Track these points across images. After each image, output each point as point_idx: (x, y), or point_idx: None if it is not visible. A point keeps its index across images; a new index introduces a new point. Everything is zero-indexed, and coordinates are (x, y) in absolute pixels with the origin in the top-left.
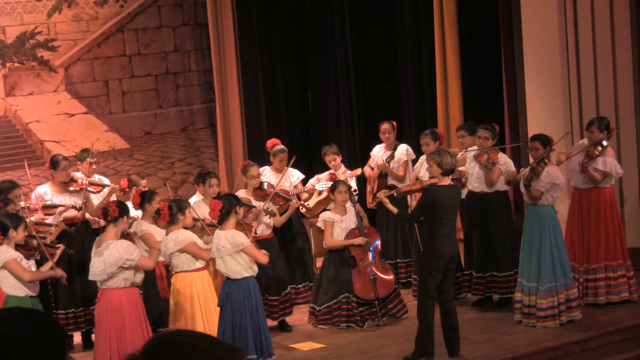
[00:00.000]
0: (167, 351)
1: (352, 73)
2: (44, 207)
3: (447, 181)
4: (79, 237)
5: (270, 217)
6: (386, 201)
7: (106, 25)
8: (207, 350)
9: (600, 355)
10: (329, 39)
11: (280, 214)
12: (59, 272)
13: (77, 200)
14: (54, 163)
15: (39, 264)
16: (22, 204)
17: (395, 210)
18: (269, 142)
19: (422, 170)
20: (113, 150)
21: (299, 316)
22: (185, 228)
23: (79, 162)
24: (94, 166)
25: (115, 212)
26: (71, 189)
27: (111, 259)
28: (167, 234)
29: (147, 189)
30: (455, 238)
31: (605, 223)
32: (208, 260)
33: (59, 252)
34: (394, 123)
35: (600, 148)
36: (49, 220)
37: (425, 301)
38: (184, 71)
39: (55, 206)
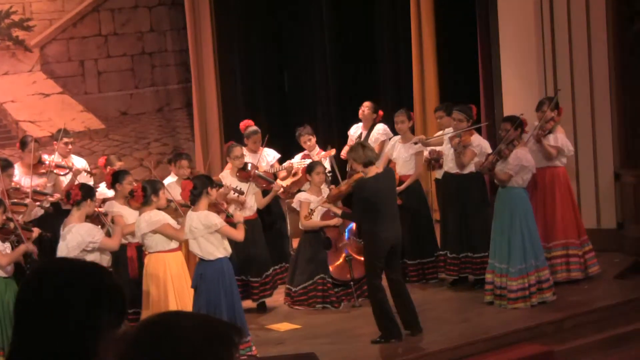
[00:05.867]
0: (160, 339)
1: (328, 54)
2: (35, 192)
3: (374, 171)
4: (50, 218)
5: (238, 196)
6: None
7: (82, 5)
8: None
9: (575, 336)
10: (306, 19)
11: (263, 196)
12: (30, 247)
13: (44, 182)
14: (23, 144)
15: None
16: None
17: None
18: (242, 124)
19: (395, 152)
20: (89, 131)
21: (275, 297)
22: (159, 209)
23: (55, 142)
24: (69, 146)
25: (77, 195)
26: (40, 171)
27: (73, 242)
28: (140, 214)
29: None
30: (398, 224)
31: (561, 201)
32: (182, 241)
33: (34, 235)
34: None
35: (552, 123)
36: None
37: (373, 285)
38: (160, 51)
39: (46, 194)
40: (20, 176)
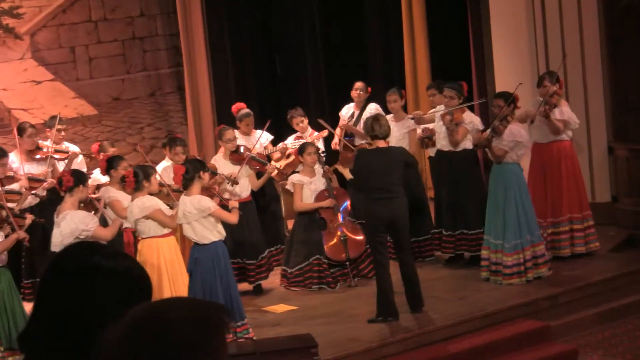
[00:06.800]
0: (149, 332)
1: (319, 35)
2: (30, 179)
3: (378, 144)
4: (48, 205)
5: (232, 185)
6: (341, 170)
7: None
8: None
9: (570, 311)
10: (296, 1)
11: (257, 178)
12: (22, 234)
13: (44, 168)
14: (21, 130)
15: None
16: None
17: (348, 176)
18: (234, 107)
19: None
20: (81, 117)
21: (271, 279)
22: (151, 194)
23: (47, 129)
24: (62, 133)
25: (69, 181)
26: (37, 157)
27: (67, 230)
28: (132, 200)
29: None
30: (397, 202)
31: (567, 176)
32: (174, 227)
33: (27, 222)
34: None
35: (556, 98)
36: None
37: (373, 260)
38: (151, 36)
39: (41, 180)
40: (19, 163)
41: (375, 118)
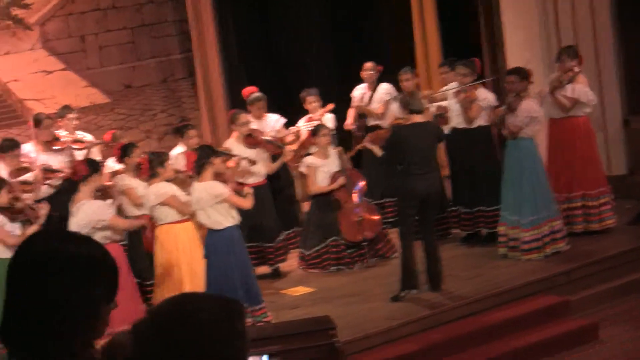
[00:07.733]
0: (181, 317)
1: (326, 17)
2: (45, 170)
3: (415, 119)
4: (64, 194)
5: (250, 165)
6: (371, 147)
7: None
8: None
9: (585, 286)
10: None
11: (272, 161)
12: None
13: (62, 158)
14: (37, 121)
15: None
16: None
17: (379, 153)
18: (245, 91)
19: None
20: (94, 106)
21: (289, 262)
22: (168, 180)
23: (59, 119)
24: (75, 122)
25: (83, 170)
26: (56, 147)
27: (83, 220)
28: (148, 187)
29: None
30: (433, 177)
31: (580, 152)
32: (189, 213)
33: (43, 212)
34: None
35: (570, 74)
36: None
37: (403, 238)
38: (160, 22)
39: (56, 171)
40: (37, 154)
41: (411, 93)
